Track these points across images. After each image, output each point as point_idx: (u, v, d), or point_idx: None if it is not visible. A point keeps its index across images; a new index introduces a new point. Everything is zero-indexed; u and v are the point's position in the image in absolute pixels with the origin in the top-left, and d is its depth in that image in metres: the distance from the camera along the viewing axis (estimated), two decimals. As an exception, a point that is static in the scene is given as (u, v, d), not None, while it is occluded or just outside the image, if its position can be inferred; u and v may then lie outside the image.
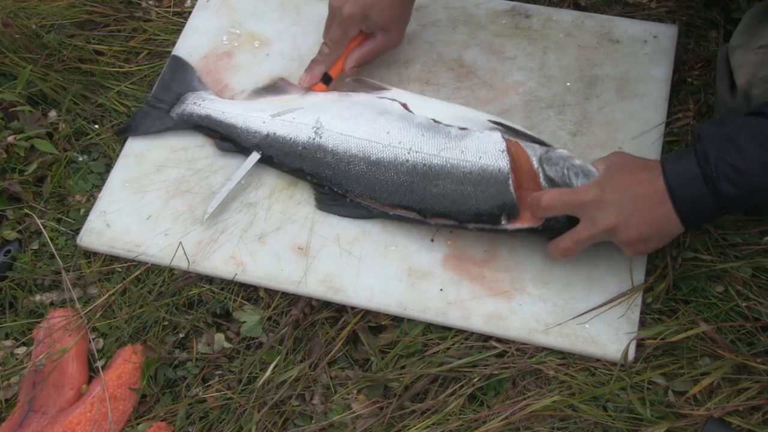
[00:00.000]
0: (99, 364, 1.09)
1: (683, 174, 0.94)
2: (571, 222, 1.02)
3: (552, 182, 1.05)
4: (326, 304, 1.12)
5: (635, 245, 1.00)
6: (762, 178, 0.90)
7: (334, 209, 1.17)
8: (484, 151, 1.08)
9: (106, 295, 1.15)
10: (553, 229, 1.05)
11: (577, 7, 1.35)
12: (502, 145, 1.08)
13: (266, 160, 1.20)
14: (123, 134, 1.29)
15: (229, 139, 1.23)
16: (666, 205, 0.95)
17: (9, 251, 1.20)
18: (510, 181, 1.06)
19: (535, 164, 1.07)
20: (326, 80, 1.23)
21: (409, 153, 1.11)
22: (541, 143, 1.10)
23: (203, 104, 1.25)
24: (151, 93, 1.31)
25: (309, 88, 1.23)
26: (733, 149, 0.90)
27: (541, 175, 1.06)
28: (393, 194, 1.12)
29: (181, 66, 1.33)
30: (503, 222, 1.06)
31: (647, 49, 1.26)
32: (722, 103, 1.09)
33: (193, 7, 1.42)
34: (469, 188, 1.08)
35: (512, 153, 1.08)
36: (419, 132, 1.12)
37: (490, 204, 1.06)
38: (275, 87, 1.27)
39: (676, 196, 0.94)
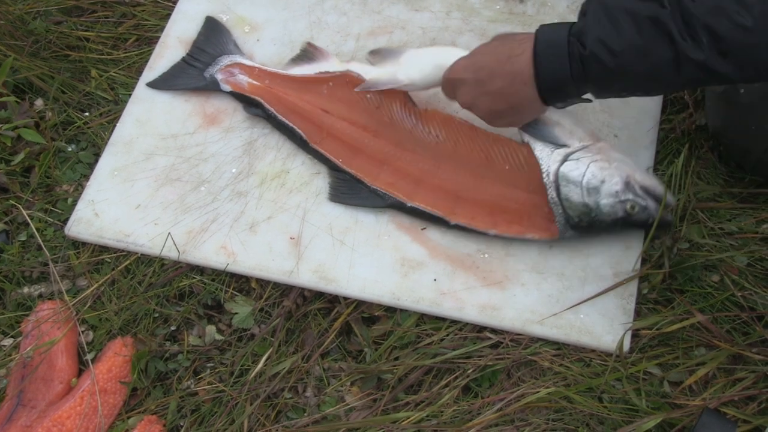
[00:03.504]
0: (89, 357, 1.08)
1: (553, 44, 0.90)
2: (589, 233, 1.04)
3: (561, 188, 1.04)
4: (319, 295, 1.11)
5: (490, 119, 1.00)
6: (636, 64, 0.85)
7: (348, 200, 1.15)
8: None
9: (95, 286, 1.13)
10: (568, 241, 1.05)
11: (571, -9, 1.34)
12: None
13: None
14: (154, 86, 1.29)
15: (258, 105, 1.22)
16: (526, 72, 0.92)
17: (-4, 243, 1.19)
18: None
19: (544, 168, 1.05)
20: None
21: None
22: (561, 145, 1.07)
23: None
24: (188, 51, 1.31)
25: None
26: (612, 29, 0.84)
27: (548, 179, 1.05)
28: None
29: (215, 27, 1.32)
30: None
31: (643, 35, 1.24)
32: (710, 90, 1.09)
33: (182, -9, 1.40)
34: None
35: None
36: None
37: None
38: (307, 54, 1.24)
39: (539, 69, 0.91)
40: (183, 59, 1.30)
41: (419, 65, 1.09)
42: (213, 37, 1.31)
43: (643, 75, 0.85)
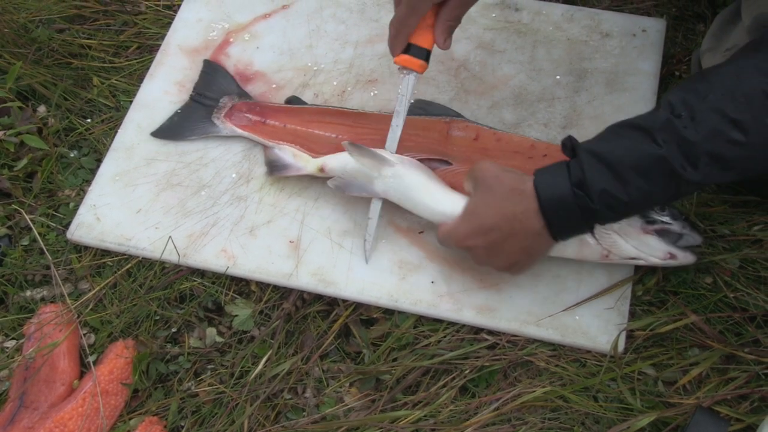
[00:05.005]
0: (90, 359, 1.09)
1: (559, 200, 0.90)
2: None
3: None
4: (318, 298, 1.12)
5: (508, 270, 1.01)
6: (643, 205, 0.90)
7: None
8: None
9: (97, 289, 1.15)
10: None
11: (566, 0, 1.36)
12: None
13: None
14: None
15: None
16: (537, 226, 0.93)
17: (-1, 247, 1.20)
18: None
19: None
20: (419, 54, 1.05)
21: None
22: None
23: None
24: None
25: (399, 65, 1.07)
26: (616, 182, 0.86)
27: None
28: None
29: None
30: None
31: (636, 43, 1.27)
32: None
33: (183, -1, 1.42)
34: None
35: None
36: None
37: None
38: (280, 159, 1.21)
39: (551, 223, 0.92)
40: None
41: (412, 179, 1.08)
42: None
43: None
